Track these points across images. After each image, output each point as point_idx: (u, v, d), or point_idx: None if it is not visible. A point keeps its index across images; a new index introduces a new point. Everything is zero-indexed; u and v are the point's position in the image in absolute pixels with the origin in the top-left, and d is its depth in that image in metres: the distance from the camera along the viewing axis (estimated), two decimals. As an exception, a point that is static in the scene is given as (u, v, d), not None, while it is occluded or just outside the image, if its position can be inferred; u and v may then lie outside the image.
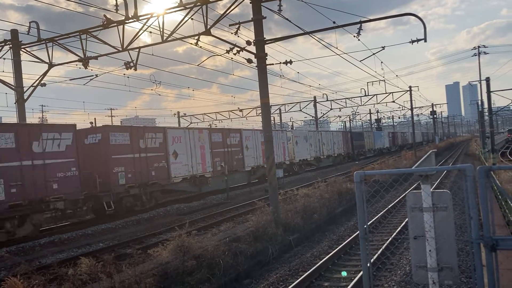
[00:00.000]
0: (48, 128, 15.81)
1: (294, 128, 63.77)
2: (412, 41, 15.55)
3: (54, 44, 17.69)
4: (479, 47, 47.17)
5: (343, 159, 48.49)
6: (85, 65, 17.25)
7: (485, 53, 47.04)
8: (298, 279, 9.12)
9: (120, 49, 16.30)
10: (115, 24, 15.86)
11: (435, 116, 72.61)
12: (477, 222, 3.62)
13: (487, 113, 40.39)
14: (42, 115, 63.94)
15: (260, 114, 15.44)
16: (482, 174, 3.57)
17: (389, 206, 17.17)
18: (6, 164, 13.95)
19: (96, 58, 17.25)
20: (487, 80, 37.19)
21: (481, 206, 3.61)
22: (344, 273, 9.49)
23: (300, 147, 37.46)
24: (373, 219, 14.74)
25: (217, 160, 25.33)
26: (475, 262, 3.66)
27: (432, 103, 71.27)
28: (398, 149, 69.34)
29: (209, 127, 44.18)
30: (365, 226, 4.28)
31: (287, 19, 15.32)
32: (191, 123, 55.33)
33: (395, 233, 12.70)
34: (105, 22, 15.87)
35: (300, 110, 53.16)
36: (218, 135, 26.12)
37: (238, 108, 53.09)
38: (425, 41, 14.75)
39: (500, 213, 13.30)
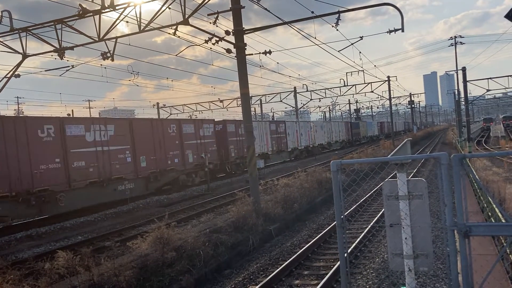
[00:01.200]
0: (205, 121, 27.39)
1: (275, 119, 64.07)
2: (390, 31, 15.66)
3: (28, 34, 17.18)
4: (455, 37, 47.91)
5: (346, 144, 58.68)
6: (61, 55, 16.81)
7: (461, 43, 47.80)
8: (278, 268, 9.19)
9: (97, 39, 15.94)
10: (91, 13, 15.46)
11: (413, 105, 73.63)
12: (451, 210, 3.67)
13: (463, 103, 41.14)
14: (18, 107, 62.46)
15: (241, 105, 15.38)
16: (456, 162, 3.61)
17: (366, 196, 17.40)
18: (190, 142, 24.60)
19: (72, 48, 16.83)
20: (463, 70, 37.83)
21: (455, 194, 3.65)
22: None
23: (318, 134, 47.38)
24: (351, 208, 14.92)
25: (273, 142, 36.10)
26: (449, 249, 3.72)
27: (410, 93, 72.19)
28: (385, 136, 72.35)
29: (188, 117, 44.47)
30: (342, 216, 4.30)
31: (266, 9, 15.25)
32: (170, 114, 54.71)
33: (373, 222, 12.88)
34: (80, 12, 15.46)
35: (281, 101, 53.12)
36: (273, 125, 36.70)
37: (219, 99, 52.68)
38: (403, 31, 14.87)
39: (474, 199, 13.62)
